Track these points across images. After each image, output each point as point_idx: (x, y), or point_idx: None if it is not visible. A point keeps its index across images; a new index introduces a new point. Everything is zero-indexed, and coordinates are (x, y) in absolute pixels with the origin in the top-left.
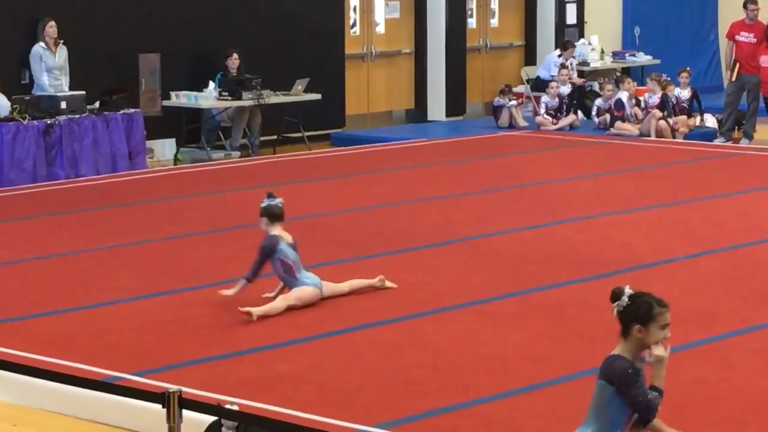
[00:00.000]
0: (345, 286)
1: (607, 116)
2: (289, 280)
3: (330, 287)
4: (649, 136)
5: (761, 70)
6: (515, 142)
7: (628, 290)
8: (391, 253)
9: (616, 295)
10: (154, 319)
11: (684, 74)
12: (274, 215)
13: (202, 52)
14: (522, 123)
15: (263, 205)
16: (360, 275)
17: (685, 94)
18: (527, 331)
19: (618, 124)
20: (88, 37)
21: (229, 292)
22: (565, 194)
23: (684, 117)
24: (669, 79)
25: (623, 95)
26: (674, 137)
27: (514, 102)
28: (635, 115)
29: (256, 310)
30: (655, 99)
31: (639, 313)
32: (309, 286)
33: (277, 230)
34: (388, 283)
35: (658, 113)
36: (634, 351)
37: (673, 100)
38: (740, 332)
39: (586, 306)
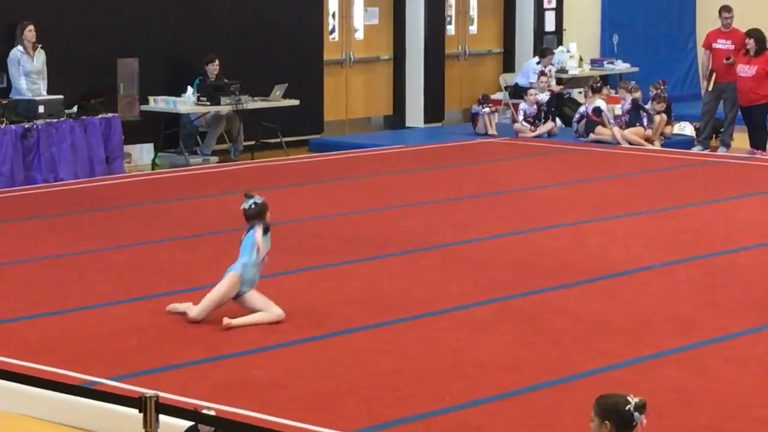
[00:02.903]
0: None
1: (583, 122)
2: None
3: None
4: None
5: (738, 79)
6: (493, 149)
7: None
8: (368, 260)
9: None
10: (131, 323)
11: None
12: (248, 217)
13: (180, 57)
14: (492, 131)
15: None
16: (337, 281)
17: (660, 105)
18: (504, 338)
19: (598, 129)
20: (67, 41)
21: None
22: (542, 201)
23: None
24: (636, 84)
25: (601, 102)
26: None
27: (486, 109)
28: (615, 120)
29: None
30: (627, 106)
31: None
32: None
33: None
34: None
35: (617, 129)
36: None
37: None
38: (717, 340)
39: (562, 313)
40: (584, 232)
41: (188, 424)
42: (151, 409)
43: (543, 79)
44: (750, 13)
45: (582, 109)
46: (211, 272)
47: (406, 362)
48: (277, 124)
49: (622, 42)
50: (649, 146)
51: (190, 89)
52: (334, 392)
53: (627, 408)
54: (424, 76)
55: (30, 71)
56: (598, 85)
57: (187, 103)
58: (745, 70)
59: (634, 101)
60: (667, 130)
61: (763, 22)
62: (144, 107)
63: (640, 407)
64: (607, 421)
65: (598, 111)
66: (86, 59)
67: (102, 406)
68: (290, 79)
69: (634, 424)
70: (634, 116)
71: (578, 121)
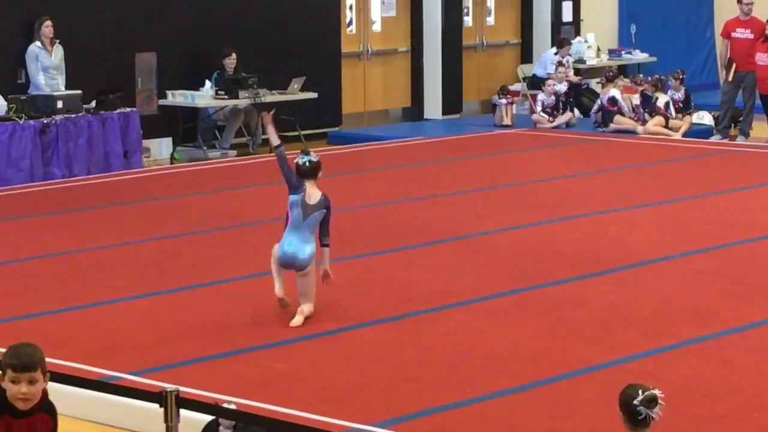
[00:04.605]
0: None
1: (600, 113)
2: None
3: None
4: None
5: (757, 67)
6: (511, 140)
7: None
8: (387, 252)
9: None
10: (151, 318)
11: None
12: (302, 173)
13: (198, 51)
14: (506, 122)
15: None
16: (357, 273)
17: (678, 95)
18: (524, 329)
19: (617, 118)
20: (85, 36)
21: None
22: (562, 192)
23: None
24: (644, 77)
25: (616, 92)
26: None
27: (504, 101)
28: (633, 110)
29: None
30: (637, 100)
31: None
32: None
33: (309, 187)
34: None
35: (639, 126)
36: None
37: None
38: (737, 329)
39: (582, 304)
40: (603, 222)
41: (209, 418)
42: (171, 403)
43: (561, 69)
44: None
45: (600, 99)
46: (231, 265)
47: (426, 354)
48: (296, 117)
49: (639, 32)
50: (674, 135)
51: (208, 83)
52: (354, 385)
53: (633, 402)
54: (442, 67)
55: (48, 67)
56: (611, 74)
57: (205, 97)
58: (764, 59)
59: (643, 94)
60: (688, 120)
61: None
62: (162, 101)
63: (647, 401)
64: (621, 413)
65: (613, 101)
66: (104, 54)
67: (122, 400)
68: (308, 72)
69: (640, 418)
70: (647, 107)
71: (596, 112)
